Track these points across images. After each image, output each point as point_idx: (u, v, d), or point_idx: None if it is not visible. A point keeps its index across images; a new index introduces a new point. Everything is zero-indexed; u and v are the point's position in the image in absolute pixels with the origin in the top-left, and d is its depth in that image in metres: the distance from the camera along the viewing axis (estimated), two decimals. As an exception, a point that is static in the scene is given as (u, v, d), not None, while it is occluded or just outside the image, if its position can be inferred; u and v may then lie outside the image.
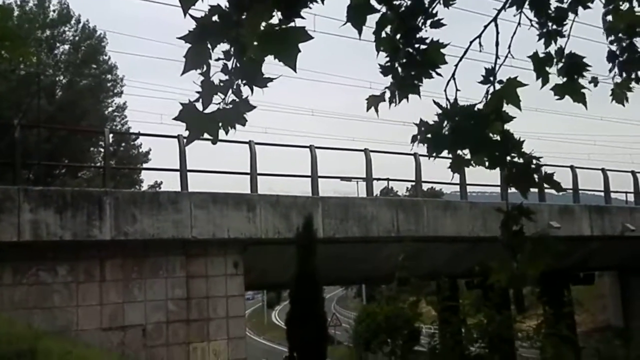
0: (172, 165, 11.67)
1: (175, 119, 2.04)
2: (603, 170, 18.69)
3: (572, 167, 17.89)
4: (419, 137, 2.73)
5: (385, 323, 15.26)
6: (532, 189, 2.84)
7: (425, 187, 17.19)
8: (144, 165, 29.88)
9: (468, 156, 2.76)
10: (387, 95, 2.72)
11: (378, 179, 15.39)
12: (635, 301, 21.02)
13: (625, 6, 3.03)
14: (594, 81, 3.21)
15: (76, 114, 26.00)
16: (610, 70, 3.28)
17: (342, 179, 16.45)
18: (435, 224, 13.71)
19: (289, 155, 26.59)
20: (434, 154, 2.71)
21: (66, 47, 28.76)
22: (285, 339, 11.03)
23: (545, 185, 2.82)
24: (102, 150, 26.31)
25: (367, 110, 2.79)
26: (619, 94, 3.21)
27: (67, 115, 25.21)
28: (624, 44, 3.12)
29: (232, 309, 10.89)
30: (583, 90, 2.96)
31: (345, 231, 12.37)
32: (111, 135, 24.93)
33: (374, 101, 2.78)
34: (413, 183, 16.36)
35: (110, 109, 30.54)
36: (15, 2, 26.96)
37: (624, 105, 3.22)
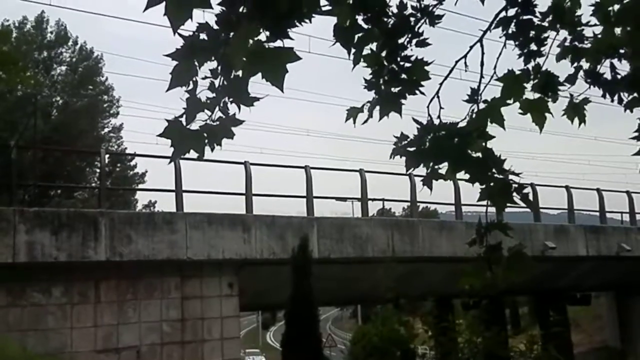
0: (168, 185, 11.72)
1: (160, 135, 2.05)
2: (598, 190, 18.75)
3: (567, 187, 17.96)
4: (400, 149, 2.77)
5: (381, 344, 15.18)
6: (518, 207, 2.90)
7: (420, 206, 17.26)
8: (140, 186, 29.87)
9: (444, 171, 2.81)
10: (367, 108, 2.76)
11: (373, 199, 15.43)
12: (633, 322, 20.96)
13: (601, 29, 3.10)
14: (586, 101, 3.27)
15: (72, 135, 26.06)
16: (604, 92, 3.32)
17: (338, 199, 16.49)
18: (430, 244, 13.72)
19: (285, 176, 26.65)
20: (413, 168, 2.74)
21: (63, 68, 28.98)
22: (280, 360, 10.93)
23: (522, 204, 2.86)
24: (97, 170, 26.32)
25: (346, 120, 2.83)
26: (571, 113, 3.27)
27: (63, 136, 25.27)
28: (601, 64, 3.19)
29: (227, 330, 10.83)
30: (547, 114, 3.01)
31: (340, 251, 12.36)
32: (107, 155, 24.99)
33: (353, 113, 2.82)
34: (408, 203, 16.41)
35: (106, 130, 30.64)
36: (14, 24, 27.22)
37: (572, 122, 3.28)
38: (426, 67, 2.69)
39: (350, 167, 14.52)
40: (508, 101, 2.93)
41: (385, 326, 17.34)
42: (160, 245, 10.24)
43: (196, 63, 2.03)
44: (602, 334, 25.65)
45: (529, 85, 3.04)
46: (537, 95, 3.00)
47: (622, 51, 3.10)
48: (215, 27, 2.00)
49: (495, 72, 2.88)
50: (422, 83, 2.74)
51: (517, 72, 3.00)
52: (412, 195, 14.67)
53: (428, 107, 2.81)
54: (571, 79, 3.23)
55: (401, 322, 15.08)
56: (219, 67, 2.05)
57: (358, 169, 14.17)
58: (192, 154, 2.15)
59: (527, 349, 8.35)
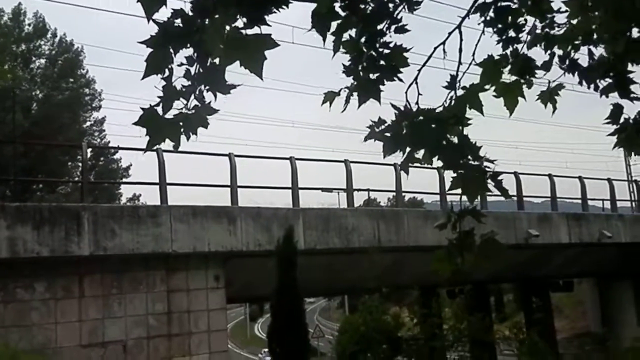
0: (152, 178, 11.63)
1: (135, 124, 2.03)
2: (580, 178, 18.98)
3: (550, 176, 18.15)
4: (374, 134, 2.76)
5: (368, 333, 15.26)
6: (500, 196, 2.91)
7: (406, 196, 17.32)
8: (124, 180, 29.64)
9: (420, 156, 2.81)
10: (346, 95, 2.75)
11: (359, 190, 15.47)
12: (614, 307, 21.30)
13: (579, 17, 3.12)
14: (559, 87, 3.30)
15: (53, 129, 25.76)
16: (581, 80, 3.35)
17: (323, 190, 16.48)
18: (416, 234, 13.77)
19: (270, 167, 26.57)
20: (390, 153, 2.73)
21: (42, 61, 28.58)
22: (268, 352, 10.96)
23: (495, 191, 2.87)
24: (80, 164, 26.05)
25: (322, 104, 2.82)
26: (546, 97, 3.30)
27: (44, 130, 24.97)
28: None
29: (214, 323, 10.81)
30: (520, 97, 3.02)
31: (326, 242, 12.38)
32: (89, 149, 24.73)
33: (330, 97, 2.81)
34: (394, 193, 16.46)
35: (88, 123, 30.32)
36: (-9, 16, 26.80)
37: (545, 107, 3.30)
38: (405, 54, 2.69)
39: (336, 158, 14.54)
40: (486, 86, 2.95)
41: (372, 316, 17.47)
42: (145, 238, 10.18)
43: (171, 50, 2.00)
44: (584, 320, 26.04)
45: (506, 70, 3.06)
46: (513, 79, 3.02)
47: (597, 37, 3.12)
48: (191, 13, 1.97)
49: (474, 58, 2.89)
50: (401, 70, 2.73)
51: (496, 58, 3.02)
52: (397, 186, 14.73)
53: (406, 93, 2.82)
54: (546, 66, 3.25)
55: (387, 311, 15.18)
56: (195, 55, 2.02)
57: (343, 159, 14.19)
58: (168, 144, 2.12)
59: (512, 334, 8.47)
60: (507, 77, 3.07)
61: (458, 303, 12.63)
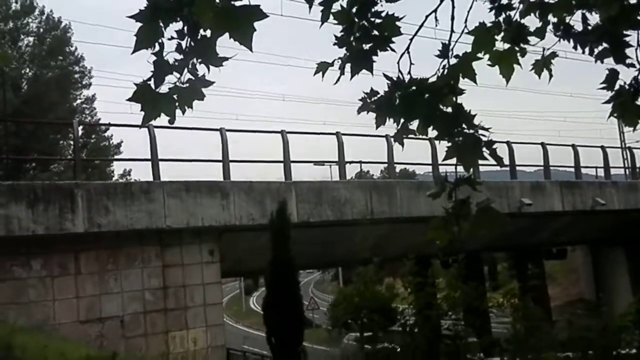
0: (144, 155, 11.60)
1: (129, 99, 2.02)
2: (573, 146, 18.98)
3: (543, 144, 18.17)
4: (367, 105, 2.76)
5: (362, 305, 15.42)
6: (494, 165, 2.92)
7: (398, 168, 17.37)
8: (116, 157, 29.50)
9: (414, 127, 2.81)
10: (339, 65, 2.73)
11: (351, 162, 15.49)
12: (607, 274, 21.57)
13: None
14: (553, 56, 3.28)
15: (43, 107, 25.49)
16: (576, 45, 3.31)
17: (315, 163, 16.50)
18: (409, 205, 13.84)
19: (262, 142, 26.51)
20: (383, 124, 2.73)
21: (30, 39, 28.14)
22: (263, 325, 11.11)
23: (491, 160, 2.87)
24: (72, 142, 25.88)
25: (314, 74, 2.80)
26: (540, 66, 3.28)
27: (35, 109, 24.71)
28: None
29: (209, 297, 10.92)
30: (516, 65, 2.99)
31: (319, 215, 12.44)
32: (80, 127, 24.53)
33: (323, 67, 2.79)
34: (386, 165, 16.50)
35: (79, 101, 30.02)
36: (-25, -6, 26.30)
37: (539, 77, 3.28)
38: (397, 23, 2.66)
39: (328, 131, 14.50)
40: (479, 54, 2.91)
41: (366, 287, 17.62)
42: (139, 214, 10.20)
43: (161, 24, 1.98)
44: (577, 287, 26.40)
45: (499, 38, 3.02)
46: (507, 46, 2.99)
47: (591, 1, 3.08)
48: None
49: (466, 26, 2.84)
50: (393, 40, 2.71)
51: (488, 25, 2.98)
52: (389, 157, 14.74)
53: (398, 63, 2.80)
54: (540, 32, 3.22)
55: (381, 282, 15.30)
56: (185, 28, 2.00)
57: (335, 132, 14.16)
58: (164, 119, 2.12)
59: (505, 301, 8.60)
60: (500, 45, 3.04)
61: (452, 272, 12.74)
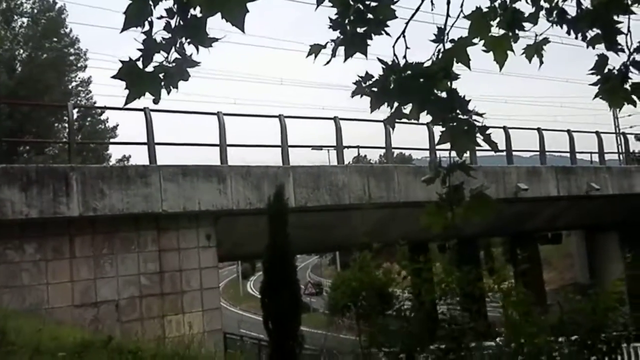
0: (140, 139, 11.49)
1: (114, 77, 1.97)
2: (569, 131, 19.03)
3: (539, 130, 18.17)
4: (361, 89, 2.73)
5: (360, 289, 15.42)
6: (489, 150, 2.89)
7: (395, 153, 17.30)
8: (112, 140, 29.38)
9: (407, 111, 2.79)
10: (332, 48, 2.69)
11: (348, 147, 15.42)
12: (601, 258, 21.70)
13: None
14: (545, 42, 3.25)
15: (38, 89, 25.30)
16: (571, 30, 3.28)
17: (313, 147, 16.41)
18: (406, 190, 13.82)
19: (260, 126, 26.41)
20: (377, 108, 2.70)
21: (25, 20, 27.84)
22: (260, 309, 11.12)
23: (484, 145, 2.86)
24: (67, 125, 25.72)
25: (307, 56, 2.76)
26: (531, 52, 3.25)
27: (29, 91, 24.53)
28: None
29: (206, 281, 10.89)
30: (509, 51, 2.97)
31: (317, 200, 12.41)
32: (76, 110, 24.36)
33: (315, 49, 2.74)
34: (384, 150, 16.44)
35: (74, 84, 29.79)
36: (-32, -26, 25.95)
37: (530, 62, 3.26)
38: (392, 7, 2.63)
39: (325, 115, 14.42)
40: (474, 40, 2.90)
41: (363, 272, 17.62)
42: (135, 198, 10.13)
43: (151, 2, 1.93)
44: (572, 272, 26.60)
45: (495, 23, 3.00)
46: (502, 32, 2.96)
47: None
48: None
49: (462, 10, 2.83)
50: (388, 23, 2.68)
51: (485, 10, 2.95)
52: (387, 142, 14.68)
53: (393, 47, 2.77)
54: (533, 18, 3.18)
55: (379, 267, 15.31)
56: (175, 6, 1.95)
57: (333, 116, 14.08)
58: (160, 102, 2.06)
59: (496, 284, 8.59)
60: (495, 30, 3.01)
61: (448, 257, 12.76)
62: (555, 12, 3.17)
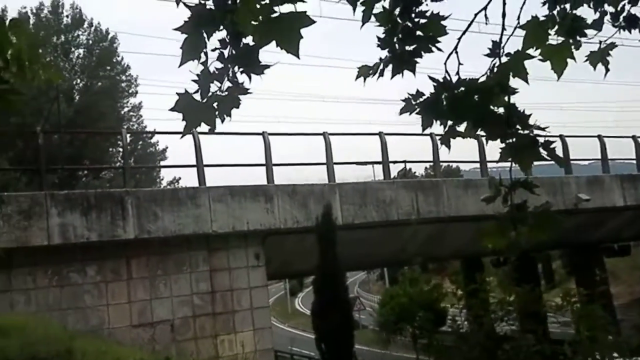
0: (189, 161, 11.79)
1: (171, 109, 2.04)
2: (634, 137, 18.15)
3: (599, 137, 17.47)
4: (410, 106, 2.70)
5: (410, 305, 15.18)
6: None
7: (442, 166, 17.06)
8: (162, 163, 30.17)
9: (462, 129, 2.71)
10: (380, 67, 2.68)
11: (395, 162, 15.33)
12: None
13: None
14: (612, 47, 3.14)
15: (94, 117, 26.31)
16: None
17: (358, 164, 16.40)
18: (456, 204, 13.59)
19: (304, 144, 26.57)
20: (429, 126, 2.67)
21: (81, 51, 29.09)
22: (309, 325, 11.12)
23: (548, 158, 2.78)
24: (120, 150, 26.61)
25: (356, 79, 2.74)
26: (596, 58, 3.15)
27: (85, 118, 25.53)
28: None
29: (256, 300, 11.00)
30: (570, 59, 2.90)
31: (364, 216, 12.36)
32: (128, 135, 25.20)
33: (364, 71, 2.73)
34: (431, 163, 16.27)
35: (126, 109, 30.86)
36: (31, 10, 27.42)
37: (594, 69, 3.15)
38: (443, 22, 2.59)
39: (369, 131, 14.43)
40: (530, 50, 2.78)
41: (413, 287, 17.37)
42: (186, 220, 10.38)
43: (204, 34, 1.98)
44: (642, 285, 25.23)
45: (552, 32, 2.91)
46: (560, 40, 2.86)
47: None
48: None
49: (518, 22, 2.74)
50: (439, 40, 2.63)
51: (542, 19, 2.84)
52: (434, 155, 14.53)
53: (445, 63, 2.72)
54: (597, 24, 3.08)
55: (428, 282, 15.05)
56: (228, 37, 2.00)
57: (378, 132, 14.07)
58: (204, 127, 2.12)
59: (565, 302, 8.16)
60: (553, 38, 2.93)
61: (504, 272, 12.36)
62: (620, 16, 3.06)
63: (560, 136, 16.37)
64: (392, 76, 2.73)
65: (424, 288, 16.61)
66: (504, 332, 8.74)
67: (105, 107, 27.72)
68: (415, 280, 15.88)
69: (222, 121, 2.08)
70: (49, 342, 6.10)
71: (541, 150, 2.71)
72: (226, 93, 2.06)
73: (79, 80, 28.58)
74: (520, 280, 9.57)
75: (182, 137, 2.14)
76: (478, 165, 15.76)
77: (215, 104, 2.06)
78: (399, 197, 12.91)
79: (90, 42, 29.15)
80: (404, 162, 17.78)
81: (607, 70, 3.19)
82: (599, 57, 3.14)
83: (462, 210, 13.62)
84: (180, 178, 28.52)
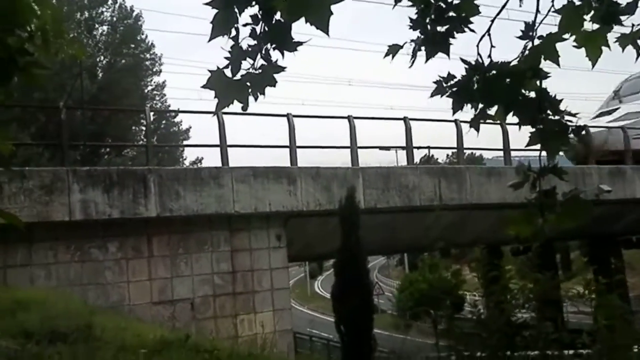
0: (212, 141, 11.78)
1: (203, 86, 2.01)
2: (657, 129, 17.83)
3: (622, 128, 17.22)
4: (442, 89, 2.67)
5: (428, 291, 15.11)
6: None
7: (465, 153, 16.84)
8: (185, 142, 30.35)
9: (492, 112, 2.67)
10: (412, 49, 2.64)
11: (418, 148, 15.18)
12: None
13: None
14: None
15: (117, 94, 26.50)
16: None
17: (382, 148, 16.27)
18: (479, 191, 13.47)
19: (328, 127, 26.49)
20: (460, 110, 2.63)
21: (104, 27, 29.23)
22: (328, 308, 11.14)
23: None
24: (143, 128, 26.80)
25: (384, 57, 2.70)
26: (626, 40, 3.03)
27: (109, 96, 25.73)
28: None
29: (277, 281, 11.03)
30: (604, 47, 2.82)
31: (386, 201, 12.29)
32: (152, 113, 25.34)
33: (393, 50, 2.68)
34: (453, 150, 16.08)
35: (149, 88, 31.01)
36: (54, -14, 27.53)
37: (622, 51, 3.04)
38: (476, 2, 2.55)
39: (393, 116, 14.31)
40: (565, 35, 2.76)
41: (433, 273, 17.29)
42: (208, 200, 10.39)
43: (236, 10, 1.94)
44: (658, 277, 25.06)
45: (588, 18, 2.84)
46: (595, 27, 2.80)
47: None
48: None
49: (553, 5, 2.67)
50: (472, 20, 2.59)
51: (578, 3, 2.80)
52: (458, 142, 14.34)
53: (478, 45, 2.68)
54: (631, 8, 2.98)
55: (448, 268, 14.99)
56: (260, 13, 1.96)
57: (402, 117, 13.92)
58: (236, 105, 2.09)
59: (586, 290, 8.09)
60: (588, 25, 2.85)
61: (523, 261, 12.24)
62: None
63: (585, 126, 16.05)
64: (427, 59, 2.68)
65: (443, 274, 16.54)
66: (524, 319, 8.66)
67: (129, 85, 27.90)
68: (435, 266, 15.76)
69: (256, 99, 2.05)
70: (69, 317, 6.14)
71: (571, 136, 2.72)
72: (260, 71, 2.01)
73: (102, 58, 28.76)
74: (540, 268, 9.48)
75: (214, 114, 2.09)
76: (501, 153, 15.55)
77: (248, 82, 2.03)
78: (422, 182, 12.79)
79: (115, 19, 29.26)
80: (428, 147, 17.59)
81: (639, 55, 3.11)
82: (630, 39, 3.06)
83: (484, 198, 13.49)
84: (202, 158, 28.69)
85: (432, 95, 2.76)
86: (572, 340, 7.71)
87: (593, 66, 2.91)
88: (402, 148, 14.23)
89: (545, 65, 2.73)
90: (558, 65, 2.65)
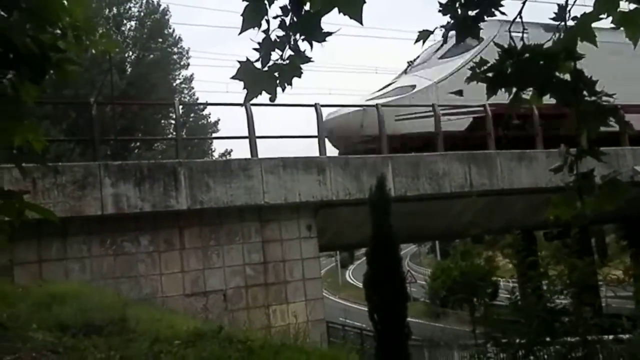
0: (241, 132, 11.81)
1: (233, 77, 2.00)
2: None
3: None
4: (477, 75, 2.63)
5: (461, 279, 14.96)
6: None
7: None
8: (214, 135, 30.56)
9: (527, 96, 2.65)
10: (442, 34, 2.63)
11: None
12: None
13: None
14: None
15: (146, 88, 26.80)
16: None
17: (409, 135, 16.04)
18: (510, 176, 13.25)
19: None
20: (494, 94, 2.59)
21: (132, 23, 29.55)
22: (359, 297, 11.11)
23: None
24: (172, 122, 27.06)
25: (415, 42, 2.70)
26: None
27: (138, 90, 26.04)
28: None
29: (308, 271, 11.04)
30: None
31: (417, 189, 12.17)
32: (180, 106, 25.56)
33: (424, 35, 2.67)
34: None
35: (177, 82, 31.27)
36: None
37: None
38: None
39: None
40: (601, 16, 2.69)
41: (465, 260, 17.12)
42: (238, 191, 10.43)
43: (266, 2, 1.94)
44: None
45: None
46: (632, 7, 2.72)
47: None
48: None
49: None
50: (502, 3, 2.58)
51: None
52: (487, 127, 14.10)
53: (509, 30, 2.65)
54: None
55: (480, 255, 14.82)
56: (290, 4, 1.95)
57: (430, 104, 13.73)
58: (264, 97, 2.06)
59: (627, 276, 7.97)
60: (625, 5, 2.76)
61: (557, 246, 12.04)
62: None
63: (617, 106, 15.54)
64: (457, 43, 2.74)
65: (475, 261, 16.37)
66: (562, 305, 8.56)
67: (157, 79, 28.18)
68: (467, 253, 15.60)
69: (283, 90, 2.03)
70: (103, 310, 6.24)
71: (609, 117, 2.72)
72: (287, 61, 2.00)
73: (130, 53, 29.09)
74: (577, 253, 9.34)
75: (243, 105, 2.07)
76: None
77: (276, 73, 2.02)
78: (452, 169, 12.63)
79: (142, 14, 29.54)
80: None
81: None
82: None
83: (515, 182, 13.27)
84: (232, 150, 28.88)
85: (468, 82, 2.74)
86: (611, 325, 7.59)
87: (635, 46, 2.82)
88: (431, 134, 14.03)
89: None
90: (595, 45, 2.59)
